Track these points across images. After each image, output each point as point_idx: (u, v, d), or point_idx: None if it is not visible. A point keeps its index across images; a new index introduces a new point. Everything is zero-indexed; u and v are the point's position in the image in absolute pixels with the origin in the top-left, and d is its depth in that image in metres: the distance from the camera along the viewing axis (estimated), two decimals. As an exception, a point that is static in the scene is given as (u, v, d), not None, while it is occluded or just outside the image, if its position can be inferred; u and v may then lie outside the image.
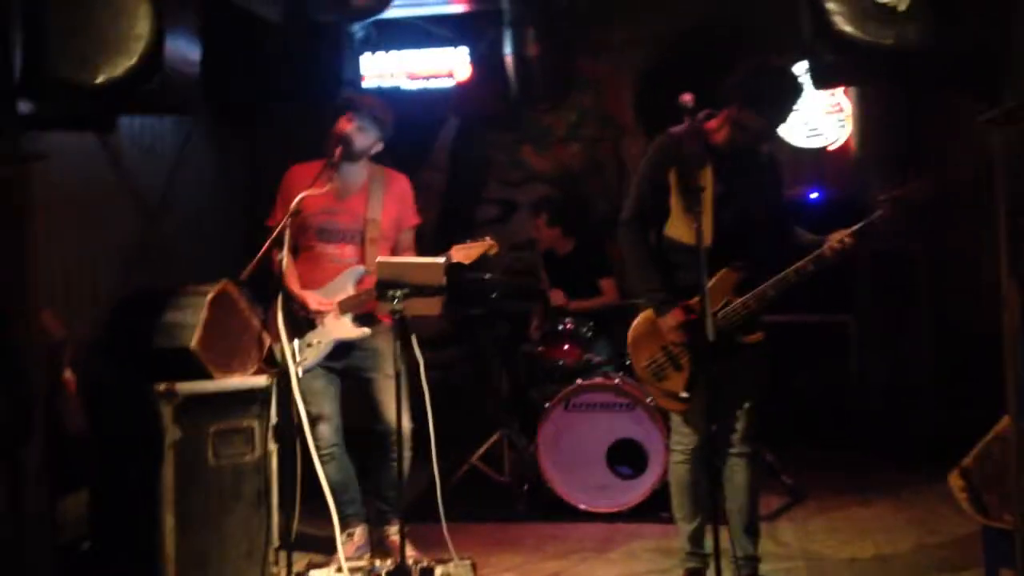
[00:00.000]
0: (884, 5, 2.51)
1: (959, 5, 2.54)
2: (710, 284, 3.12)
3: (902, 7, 2.48)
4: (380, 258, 3.44)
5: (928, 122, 5.73)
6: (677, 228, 3.27)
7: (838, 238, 3.15)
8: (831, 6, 2.57)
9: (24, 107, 3.02)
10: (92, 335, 3.53)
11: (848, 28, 2.57)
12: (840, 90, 6.06)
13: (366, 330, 3.76)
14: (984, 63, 2.61)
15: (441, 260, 3.46)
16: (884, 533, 4.13)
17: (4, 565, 2.64)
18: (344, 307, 3.74)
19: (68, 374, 3.39)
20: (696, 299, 3.14)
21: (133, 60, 3.03)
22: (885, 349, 5.83)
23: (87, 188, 4.41)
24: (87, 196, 4.41)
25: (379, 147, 3.88)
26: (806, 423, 5.65)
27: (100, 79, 3.04)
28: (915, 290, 5.78)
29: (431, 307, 3.30)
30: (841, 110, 6.10)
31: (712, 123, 3.28)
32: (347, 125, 3.76)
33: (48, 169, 3.75)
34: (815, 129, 6.14)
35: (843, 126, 6.10)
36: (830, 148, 6.17)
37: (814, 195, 6.10)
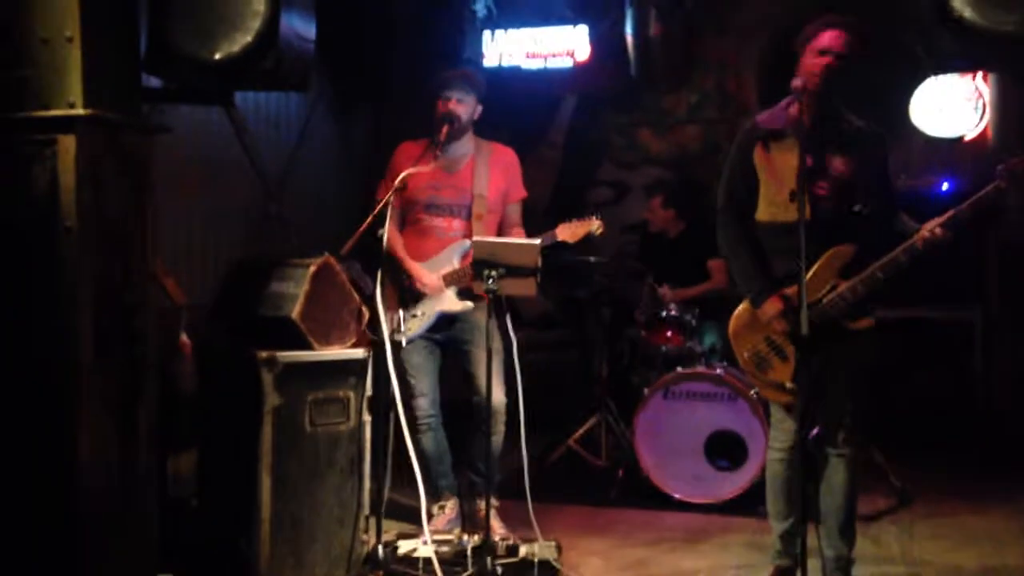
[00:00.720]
0: (1008, -11, 2.36)
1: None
2: (815, 268, 3.08)
3: (1027, -9, 2.33)
4: (475, 238, 3.49)
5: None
6: (769, 210, 3.22)
7: (931, 227, 3.02)
8: (951, -11, 2.43)
9: (150, 81, 3.18)
10: (211, 302, 3.69)
11: (967, 12, 2.43)
12: (978, 76, 5.74)
13: (469, 304, 3.83)
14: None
15: (536, 241, 3.48)
16: (993, 542, 3.94)
17: (115, 516, 2.79)
18: (448, 280, 3.82)
19: (184, 338, 3.58)
20: (795, 288, 3.05)
21: (249, 37, 3.14)
22: (1013, 347, 5.51)
23: (214, 160, 4.62)
24: (213, 168, 4.62)
25: (479, 110, 3.93)
26: (924, 423, 5.43)
27: (218, 55, 3.16)
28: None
29: (526, 287, 3.31)
30: (980, 97, 5.77)
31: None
32: (446, 105, 3.82)
33: (177, 142, 3.94)
34: (951, 117, 5.83)
35: (980, 114, 5.78)
36: (967, 138, 5.86)
37: (945, 186, 5.81)
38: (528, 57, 6.41)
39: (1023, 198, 3.04)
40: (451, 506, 3.98)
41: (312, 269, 3.21)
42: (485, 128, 4.06)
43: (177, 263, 4.19)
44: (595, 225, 3.81)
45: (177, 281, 3.68)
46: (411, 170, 3.59)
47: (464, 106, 3.86)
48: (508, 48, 6.40)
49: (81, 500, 2.63)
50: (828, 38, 3.12)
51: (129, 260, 2.90)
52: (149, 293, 3.02)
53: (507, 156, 4.00)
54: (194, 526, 3.30)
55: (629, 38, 6.09)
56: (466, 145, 3.95)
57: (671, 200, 5.61)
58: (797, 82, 3.06)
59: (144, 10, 3.08)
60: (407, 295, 3.87)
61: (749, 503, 4.21)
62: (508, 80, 6.28)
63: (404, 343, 3.81)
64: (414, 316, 3.85)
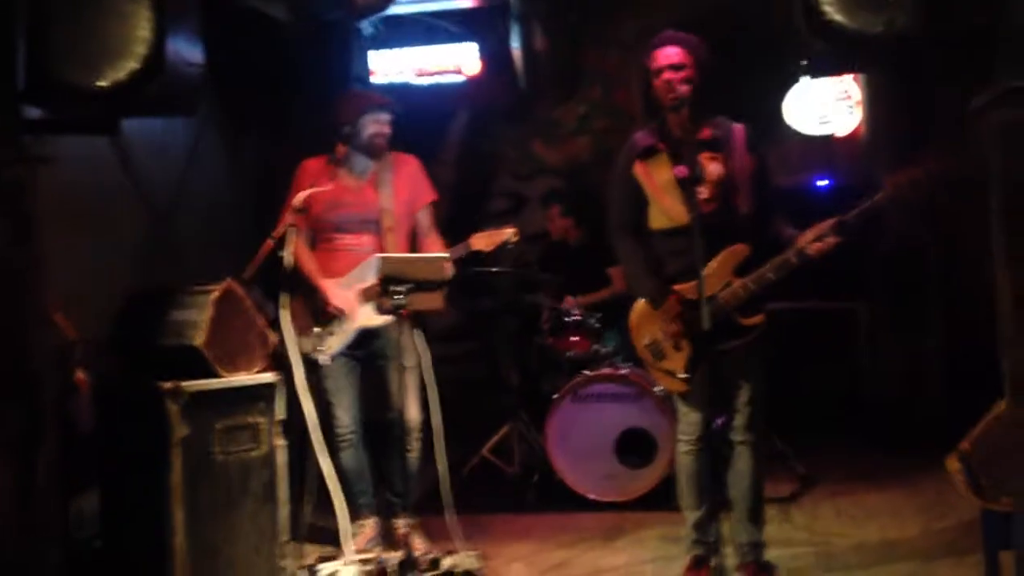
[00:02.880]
0: (875, -8, 2.51)
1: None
2: (712, 265, 3.21)
3: (892, -6, 2.48)
4: (380, 254, 3.49)
5: (940, 108, 5.68)
6: (659, 219, 3.36)
7: (814, 236, 3.14)
8: (821, -6, 2.57)
9: (31, 112, 3.08)
10: (104, 335, 3.59)
11: (837, 16, 2.57)
12: (849, 77, 6.03)
13: (389, 317, 3.80)
14: (978, 49, 2.60)
15: (445, 254, 3.51)
16: (892, 518, 4.14)
17: (17, 565, 2.69)
18: (366, 296, 3.80)
19: (80, 374, 3.46)
20: (692, 284, 3.17)
21: (135, 63, 3.08)
22: (897, 336, 5.81)
23: (99, 190, 4.47)
24: (99, 198, 4.47)
25: None
26: (819, 411, 5.66)
27: (103, 82, 3.09)
28: (927, 276, 5.76)
29: (434, 301, 3.33)
30: (850, 97, 6.06)
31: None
32: (378, 127, 3.86)
33: (60, 172, 3.80)
34: (824, 116, 6.11)
35: (852, 113, 6.07)
36: (839, 135, 6.15)
37: (822, 183, 6.08)
38: (418, 75, 6.43)
39: (910, 205, 3.18)
40: (371, 525, 3.94)
41: (215, 295, 3.16)
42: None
43: (66, 296, 4.04)
44: (509, 233, 3.86)
45: (67, 315, 3.55)
46: (308, 191, 3.57)
47: (389, 128, 3.91)
48: (397, 66, 6.40)
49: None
50: (660, 56, 3.29)
51: (18, 297, 2.81)
52: (43, 332, 2.93)
53: (409, 163, 4.02)
54: (101, 568, 3.19)
55: (516, 52, 6.18)
56: (368, 161, 3.95)
57: (568, 208, 5.72)
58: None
59: (21, 41, 2.98)
60: (323, 313, 3.83)
61: (661, 498, 4.31)
62: (399, 97, 6.27)
63: (327, 361, 3.77)
64: (332, 334, 3.82)
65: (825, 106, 6.07)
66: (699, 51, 3.30)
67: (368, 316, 3.79)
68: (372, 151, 3.88)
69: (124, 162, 4.76)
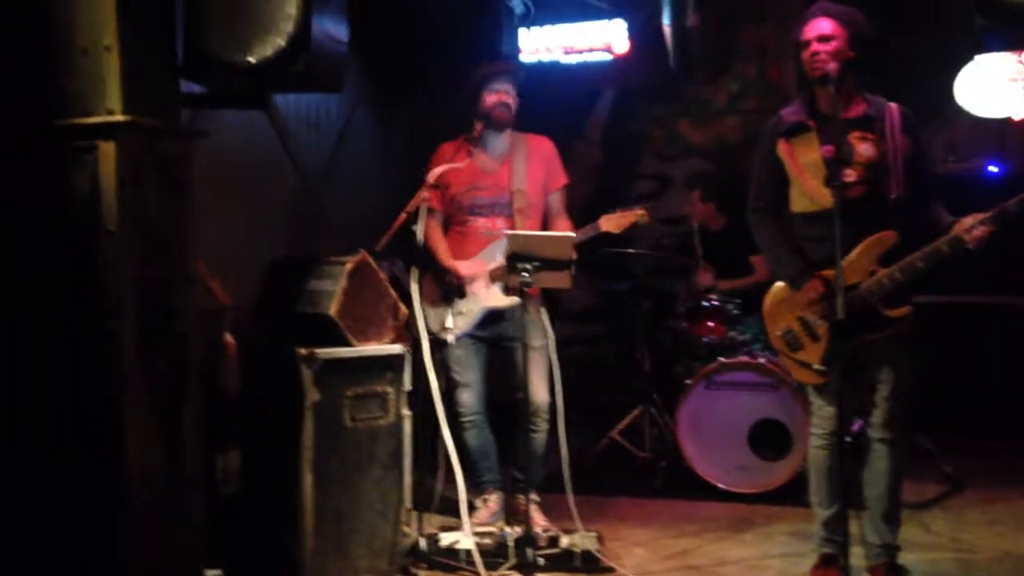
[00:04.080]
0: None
1: None
2: (854, 253, 3.07)
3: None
4: (509, 231, 3.50)
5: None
6: (800, 201, 3.22)
7: (973, 223, 2.95)
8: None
9: (189, 87, 3.25)
10: (253, 301, 3.76)
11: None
12: (1024, 55, 5.59)
13: (516, 299, 3.83)
14: None
15: (571, 233, 3.50)
16: (1047, 529, 3.86)
17: (163, 517, 2.85)
18: (494, 277, 3.84)
19: (229, 338, 3.65)
20: (834, 272, 3.03)
21: (282, 40, 3.19)
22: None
23: (257, 163, 4.69)
24: (257, 170, 4.69)
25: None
26: (974, 410, 5.31)
27: (252, 59, 3.22)
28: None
29: (561, 280, 3.32)
30: (1027, 77, 5.62)
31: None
32: (498, 97, 3.82)
33: (220, 145, 4.01)
34: (998, 98, 5.69)
35: (1028, 95, 5.62)
36: (1015, 118, 5.71)
37: (993, 168, 5.68)
38: (566, 52, 6.39)
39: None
40: (494, 500, 4.01)
41: (349, 267, 3.26)
42: (524, 124, 4.06)
43: (222, 264, 4.26)
44: (640, 214, 3.82)
45: (222, 282, 3.75)
46: (444, 167, 3.62)
47: (512, 98, 3.90)
48: (546, 43, 6.38)
49: (127, 504, 2.66)
50: (807, 29, 3.15)
51: (171, 263, 2.95)
52: (191, 295, 3.08)
53: (543, 145, 4.00)
54: (241, 522, 3.36)
55: (667, 29, 6.04)
56: (503, 142, 3.96)
57: (710, 194, 5.57)
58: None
59: (180, 17, 3.14)
60: (452, 293, 3.89)
61: (795, 492, 4.16)
62: (546, 76, 6.27)
63: (452, 340, 3.84)
64: (460, 313, 3.88)
65: (999, 86, 5.65)
66: (854, 24, 3.13)
67: (495, 297, 3.83)
68: (494, 123, 3.86)
69: (281, 136, 4.96)
